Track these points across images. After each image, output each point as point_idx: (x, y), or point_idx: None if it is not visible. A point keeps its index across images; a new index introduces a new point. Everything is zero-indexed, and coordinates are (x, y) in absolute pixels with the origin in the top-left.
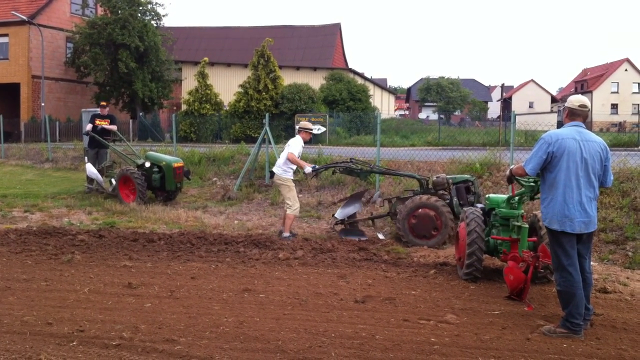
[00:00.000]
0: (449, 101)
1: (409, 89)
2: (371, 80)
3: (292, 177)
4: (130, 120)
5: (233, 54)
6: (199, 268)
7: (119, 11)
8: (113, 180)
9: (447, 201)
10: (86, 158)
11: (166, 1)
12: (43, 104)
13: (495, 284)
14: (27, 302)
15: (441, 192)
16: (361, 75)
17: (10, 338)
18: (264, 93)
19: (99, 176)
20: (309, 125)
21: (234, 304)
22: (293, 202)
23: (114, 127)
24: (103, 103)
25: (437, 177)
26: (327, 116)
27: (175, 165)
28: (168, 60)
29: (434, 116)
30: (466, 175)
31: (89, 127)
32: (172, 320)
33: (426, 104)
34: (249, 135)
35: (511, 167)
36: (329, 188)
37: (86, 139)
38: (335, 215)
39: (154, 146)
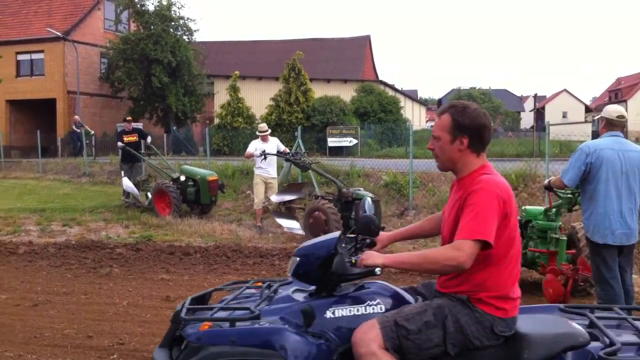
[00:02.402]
0: None
1: (439, 100)
2: (402, 92)
3: (258, 174)
4: (164, 135)
5: (264, 68)
6: (235, 280)
7: (152, 27)
8: (149, 194)
9: (348, 213)
10: (122, 172)
11: (197, 17)
12: (73, 119)
13: (533, 297)
14: (67, 315)
15: (345, 201)
16: (392, 87)
17: (52, 351)
18: (295, 106)
19: (136, 190)
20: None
21: None
22: (255, 197)
23: (148, 139)
24: (128, 118)
25: (346, 189)
26: (359, 128)
27: (210, 178)
28: (200, 75)
29: None
30: (368, 194)
31: (120, 144)
32: None
33: None
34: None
35: (549, 178)
36: None
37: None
38: (271, 198)
39: (188, 160)
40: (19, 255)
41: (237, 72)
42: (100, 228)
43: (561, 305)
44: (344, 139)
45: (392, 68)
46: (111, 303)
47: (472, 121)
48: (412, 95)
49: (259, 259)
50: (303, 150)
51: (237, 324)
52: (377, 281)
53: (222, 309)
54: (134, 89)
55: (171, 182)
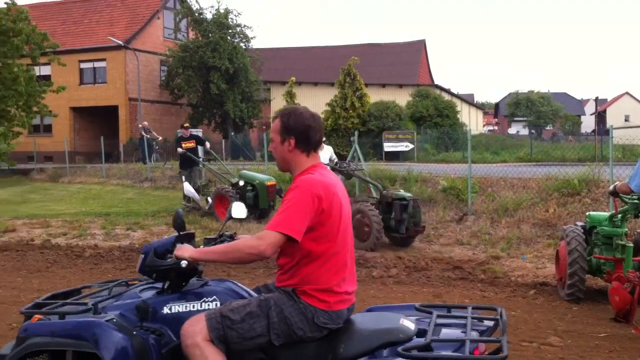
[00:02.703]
0: (539, 116)
1: (497, 104)
2: (458, 96)
3: None
4: (223, 140)
5: (319, 73)
6: None
7: (210, 35)
8: (209, 199)
9: (391, 215)
10: (183, 177)
11: (254, 24)
12: (140, 126)
13: (599, 305)
14: None
15: (386, 203)
16: (447, 91)
17: None
18: (351, 111)
19: (196, 194)
20: None
21: None
22: None
23: (207, 144)
24: (186, 125)
25: (385, 191)
26: (415, 133)
27: (268, 183)
28: (257, 81)
29: (524, 131)
30: (405, 194)
31: (179, 150)
32: None
33: (515, 118)
34: (336, 153)
35: (615, 183)
36: (420, 205)
37: (180, 159)
38: None
39: (246, 165)
40: (85, 258)
41: (293, 78)
42: (162, 232)
43: (417, 304)
44: (400, 143)
45: (447, 72)
46: None
47: (297, 123)
48: (468, 99)
49: None
50: (360, 155)
51: (67, 317)
52: (223, 279)
53: (65, 304)
54: (192, 95)
55: (230, 187)
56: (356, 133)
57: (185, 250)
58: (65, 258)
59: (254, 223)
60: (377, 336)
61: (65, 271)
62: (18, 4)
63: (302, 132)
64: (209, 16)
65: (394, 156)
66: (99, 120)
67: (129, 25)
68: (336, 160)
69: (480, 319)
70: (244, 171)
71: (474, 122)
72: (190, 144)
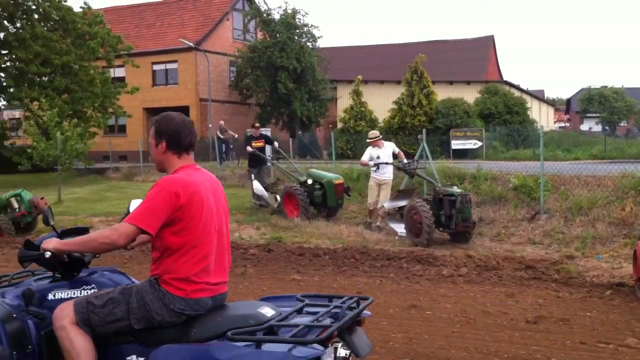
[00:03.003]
0: (613, 111)
1: (568, 100)
2: (527, 92)
3: (374, 177)
4: (290, 139)
5: (386, 71)
6: (364, 283)
7: (278, 35)
8: (278, 197)
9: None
10: (252, 176)
11: (321, 23)
12: (210, 125)
13: None
14: None
15: (438, 199)
16: (517, 87)
17: None
18: (418, 109)
19: (265, 192)
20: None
21: (401, 320)
22: (369, 198)
23: (275, 144)
24: (257, 125)
25: (438, 188)
26: (483, 130)
27: (336, 182)
28: (324, 80)
29: (597, 128)
30: (454, 190)
31: (248, 148)
32: None
33: (588, 115)
34: (403, 151)
35: None
36: (490, 204)
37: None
38: (384, 205)
39: (313, 163)
40: None
41: (359, 77)
42: (233, 229)
43: (298, 295)
44: (469, 141)
45: (517, 68)
46: None
47: (168, 128)
48: (538, 96)
49: (386, 261)
50: (428, 153)
51: None
52: (114, 269)
53: None
54: (261, 95)
55: (299, 186)
56: (424, 131)
57: (49, 243)
58: (141, 254)
59: (323, 221)
60: (227, 322)
61: (142, 267)
62: (93, 8)
63: (172, 136)
64: (276, 17)
65: (461, 154)
66: None
67: (199, 27)
68: (399, 153)
69: (351, 308)
70: (312, 170)
71: (544, 118)
72: (260, 143)
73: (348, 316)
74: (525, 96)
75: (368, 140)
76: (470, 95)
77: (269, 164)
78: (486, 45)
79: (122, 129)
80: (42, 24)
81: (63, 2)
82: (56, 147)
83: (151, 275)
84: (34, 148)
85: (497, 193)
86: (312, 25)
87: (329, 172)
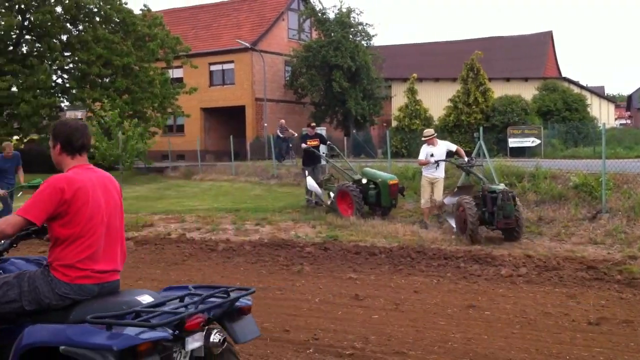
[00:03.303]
0: None
1: (629, 96)
2: (587, 89)
3: (426, 176)
4: (344, 138)
5: (441, 69)
6: (421, 282)
7: (332, 34)
8: (331, 194)
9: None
10: (306, 172)
11: (375, 22)
12: (266, 125)
13: None
14: (265, 310)
15: (483, 196)
16: (576, 84)
17: (253, 343)
18: (474, 106)
19: (319, 189)
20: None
21: (459, 320)
22: (422, 197)
23: (328, 143)
24: (313, 124)
25: (483, 185)
26: (542, 128)
27: (391, 182)
28: (378, 79)
29: None
30: (497, 187)
31: (304, 145)
32: (400, 332)
33: None
34: None
35: None
36: (550, 203)
37: (303, 157)
38: (444, 201)
39: (368, 162)
40: (218, 252)
41: (414, 75)
42: (289, 227)
43: (190, 286)
44: (526, 139)
45: (576, 64)
46: (304, 299)
47: (61, 131)
48: (598, 92)
49: (443, 260)
50: (485, 151)
51: None
52: (27, 258)
53: None
54: (315, 94)
55: (353, 184)
56: (481, 129)
57: None
58: (200, 251)
59: (378, 220)
60: (102, 307)
61: (201, 264)
62: (152, 10)
63: (66, 139)
64: (331, 16)
65: (519, 152)
66: (226, 120)
67: (255, 28)
68: (458, 150)
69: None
70: (367, 169)
71: (605, 115)
72: (315, 142)
73: (208, 305)
74: (584, 93)
75: (423, 139)
76: (528, 92)
77: (323, 162)
78: (544, 41)
79: (180, 129)
80: (104, 26)
81: (124, 5)
82: (118, 147)
83: (47, 262)
84: (97, 148)
85: (557, 192)
86: (366, 24)
87: (384, 171)
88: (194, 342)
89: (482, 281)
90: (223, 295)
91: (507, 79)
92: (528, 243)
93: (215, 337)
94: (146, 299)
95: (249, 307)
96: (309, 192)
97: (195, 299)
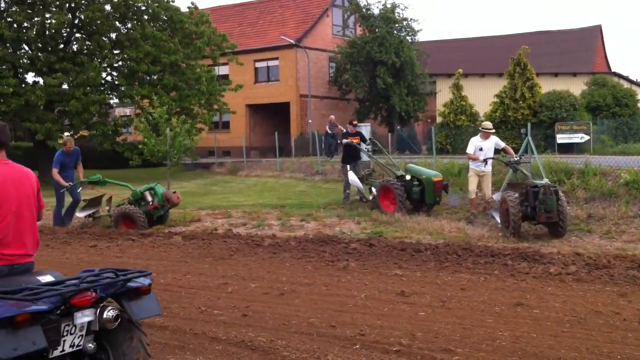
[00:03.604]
0: None
1: None
2: (637, 83)
3: (472, 167)
4: (389, 134)
5: (487, 64)
6: (468, 279)
7: (377, 30)
8: (373, 189)
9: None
10: (347, 167)
11: (420, 17)
12: (310, 121)
13: None
14: (311, 305)
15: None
16: (626, 79)
17: (299, 338)
18: (521, 102)
19: (360, 184)
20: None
21: (507, 318)
22: (469, 187)
23: (367, 141)
24: (355, 122)
25: (527, 180)
26: (590, 124)
27: (435, 179)
28: (423, 74)
29: None
30: (539, 181)
31: (345, 140)
32: (446, 330)
33: None
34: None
35: None
36: (600, 200)
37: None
38: (493, 197)
39: (412, 158)
40: (264, 247)
41: (460, 70)
42: (334, 223)
43: (97, 269)
44: (575, 135)
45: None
46: (350, 295)
47: None
48: None
49: (490, 258)
50: (533, 148)
51: None
52: None
53: None
54: (360, 90)
55: (396, 180)
56: (528, 125)
57: None
58: (247, 247)
59: (423, 216)
60: (6, 284)
61: (247, 259)
62: (199, 8)
63: None
64: (375, 11)
65: (567, 148)
66: (271, 117)
67: (299, 24)
68: (506, 147)
69: (126, 280)
70: (410, 165)
71: None
72: (355, 140)
73: (95, 284)
74: (635, 88)
75: (481, 129)
76: (576, 87)
77: (365, 158)
78: (593, 35)
79: (225, 125)
80: (152, 24)
81: (171, 3)
82: (166, 143)
83: None
84: (145, 144)
85: (607, 189)
86: (411, 19)
87: (429, 168)
88: (83, 317)
89: (530, 279)
90: (112, 276)
91: (555, 74)
92: (577, 241)
93: (108, 314)
94: (47, 278)
95: (146, 287)
96: (348, 186)
97: (89, 279)
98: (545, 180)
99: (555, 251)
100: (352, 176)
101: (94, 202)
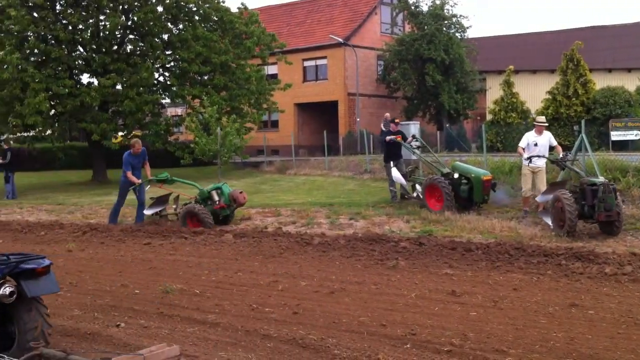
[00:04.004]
0: None
1: None
2: None
3: (526, 164)
4: (437, 132)
5: (538, 60)
6: (520, 279)
7: (426, 27)
8: (417, 186)
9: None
10: (391, 163)
11: (470, 13)
12: (358, 119)
13: None
14: (360, 304)
15: (582, 190)
16: None
17: (350, 336)
18: (574, 99)
19: (404, 180)
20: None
21: (561, 319)
22: (523, 185)
23: (408, 140)
24: (397, 120)
25: (582, 178)
26: None
27: (484, 178)
28: (472, 71)
29: None
30: (597, 179)
31: (388, 138)
32: (499, 330)
33: None
34: (558, 143)
35: None
36: None
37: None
38: (536, 199)
39: (462, 156)
40: (313, 245)
41: (511, 67)
42: (383, 222)
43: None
44: (630, 132)
45: None
46: (400, 294)
47: None
48: None
49: (543, 258)
50: (587, 145)
51: None
52: None
53: None
54: (408, 88)
55: (443, 178)
56: (582, 122)
57: None
58: (296, 245)
59: (474, 215)
60: None
61: (297, 257)
62: (248, 8)
63: None
64: (424, 8)
65: (622, 146)
66: (319, 115)
67: (347, 23)
68: (557, 147)
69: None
70: (458, 163)
71: None
72: (397, 138)
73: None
74: None
75: (535, 123)
76: (631, 83)
77: (413, 156)
78: None
79: (274, 124)
80: (203, 25)
81: (221, 3)
82: (216, 142)
83: None
84: (196, 143)
85: None
86: (460, 16)
87: (480, 166)
88: None
89: (584, 279)
90: (4, 259)
91: (609, 70)
92: (633, 240)
93: (3, 290)
94: None
95: (42, 268)
96: (392, 184)
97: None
98: (602, 178)
99: (610, 251)
100: (395, 172)
101: (161, 200)
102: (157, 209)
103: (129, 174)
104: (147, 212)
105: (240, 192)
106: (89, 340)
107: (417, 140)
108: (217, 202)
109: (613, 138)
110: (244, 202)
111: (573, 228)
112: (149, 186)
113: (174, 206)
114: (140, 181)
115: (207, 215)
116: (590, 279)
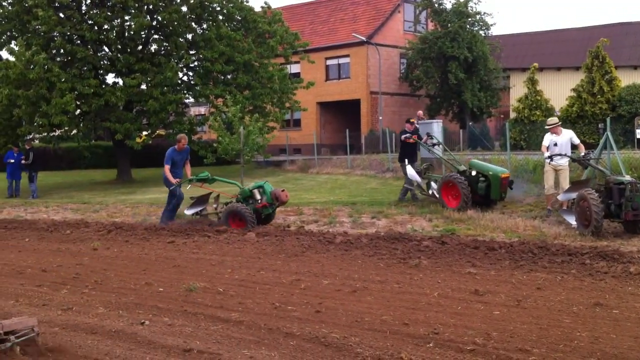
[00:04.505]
0: None
1: None
2: None
3: (549, 162)
4: (460, 130)
5: (563, 58)
6: (544, 279)
7: (449, 25)
8: (432, 183)
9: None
10: (406, 160)
11: (494, 10)
12: (380, 118)
13: None
14: (383, 302)
15: (608, 188)
16: None
17: (372, 335)
18: (599, 96)
19: (419, 177)
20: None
21: (585, 318)
22: (545, 183)
23: (424, 138)
24: (412, 120)
25: (608, 176)
26: None
27: (502, 175)
28: (496, 69)
29: None
30: (624, 178)
31: (404, 136)
32: (522, 330)
33: None
34: (582, 141)
35: None
36: None
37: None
38: (558, 197)
39: (485, 155)
40: (336, 244)
41: (535, 64)
42: (405, 221)
43: None
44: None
45: None
46: (422, 293)
47: None
48: None
49: (567, 257)
50: (613, 143)
51: None
52: None
53: None
54: (431, 86)
55: (460, 175)
56: (607, 120)
57: None
58: (319, 244)
59: (497, 213)
60: None
61: (319, 256)
62: (272, 7)
63: None
64: (448, 6)
65: None
66: (341, 114)
67: (370, 21)
68: (579, 145)
69: None
70: (474, 160)
71: None
72: (413, 138)
73: None
74: None
75: (546, 127)
76: None
77: (427, 150)
78: None
79: (297, 123)
80: (226, 24)
81: (245, 3)
82: (239, 141)
83: None
84: (219, 142)
85: None
86: (484, 13)
87: (502, 164)
88: None
89: (609, 278)
90: None
91: (635, 67)
92: None
93: None
94: None
95: None
96: (409, 181)
97: None
98: (628, 177)
99: (635, 250)
100: (410, 170)
101: (202, 200)
102: (198, 209)
103: (167, 170)
104: (188, 212)
105: (282, 191)
106: (114, 338)
107: (432, 139)
108: (260, 201)
109: (638, 136)
110: (287, 200)
111: (599, 228)
112: (189, 186)
113: (215, 205)
114: (178, 180)
115: (250, 215)
116: (614, 278)
